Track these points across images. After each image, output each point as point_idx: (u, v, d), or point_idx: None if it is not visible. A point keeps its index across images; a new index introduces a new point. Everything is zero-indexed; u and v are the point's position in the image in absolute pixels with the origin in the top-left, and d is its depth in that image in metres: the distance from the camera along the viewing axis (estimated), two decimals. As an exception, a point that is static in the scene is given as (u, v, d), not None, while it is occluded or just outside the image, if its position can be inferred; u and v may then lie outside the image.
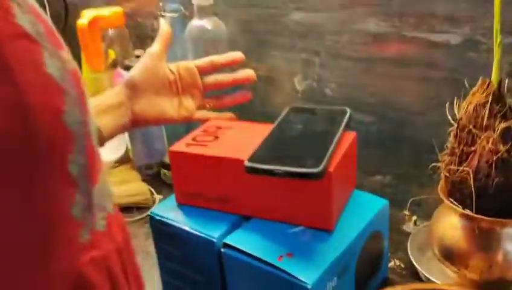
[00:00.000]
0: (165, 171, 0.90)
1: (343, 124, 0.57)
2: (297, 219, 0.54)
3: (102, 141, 0.60)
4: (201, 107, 0.68)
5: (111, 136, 0.61)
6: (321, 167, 0.48)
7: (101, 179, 0.33)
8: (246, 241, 0.53)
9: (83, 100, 0.29)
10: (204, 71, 0.67)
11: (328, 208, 0.52)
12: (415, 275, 0.63)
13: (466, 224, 0.55)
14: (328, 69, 0.79)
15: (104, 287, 0.32)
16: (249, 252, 0.51)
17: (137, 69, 0.63)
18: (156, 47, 0.64)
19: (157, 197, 0.86)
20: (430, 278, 0.60)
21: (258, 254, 0.50)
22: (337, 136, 0.54)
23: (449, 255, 0.57)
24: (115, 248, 0.34)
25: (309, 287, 0.47)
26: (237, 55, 0.66)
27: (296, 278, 0.48)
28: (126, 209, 0.83)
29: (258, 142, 0.54)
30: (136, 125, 0.64)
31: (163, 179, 0.92)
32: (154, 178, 0.93)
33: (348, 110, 0.60)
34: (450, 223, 0.57)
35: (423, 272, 0.61)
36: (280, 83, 0.86)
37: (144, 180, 0.89)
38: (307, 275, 0.48)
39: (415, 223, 0.72)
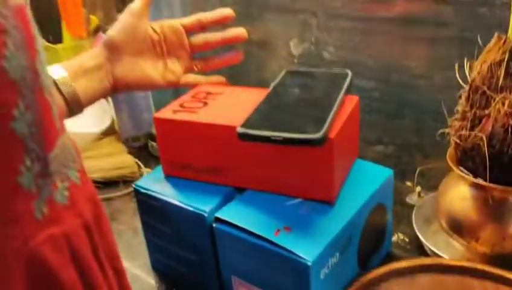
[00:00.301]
0: (153, 143, 0.86)
1: (345, 87, 0.52)
2: (295, 190, 0.50)
3: (80, 107, 0.55)
4: (188, 71, 0.62)
5: (90, 101, 0.56)
6: (322, 133, 0.43)
7: (61, 143, 0.29)
8: (240, 215, 0.48)
9: (31, 44, 0.24)
10: (191, 30, 0.61)
11: (329, 178, 0.48)
12: (419, 249, 0.60)
13: (477, 194, 0.51)
14: (326, 31, 0.73)
15: (64, 268, 0.28)
16: (243, 226, 0.47)
17: (117, 28, 0.57)
18: (136, 3, 0.58)
19: (145, 170, 0.82)
20: (437, 252, 0.56)
21: (252, 229, 0.46)
22: (338, 100, 0.49)
23: (458, 228, 0.54)
24: (82, 223, 0.30)
25: (309, 264, 0.43)
26: (227, 11, 0.60)
27: (295, 254, 0.43)
28: (112, 183, 0.78)
29: (252, 107, 0.49)
30: (117, 90, 0.58)
31: (151, 152, 0.87)
32: (142, 150, 0.88)
33: (349, 73, 0.55)
34: (460, 194, 0.53)
35: (429, 246, 0.57)
36: (275, 47, 0.81)
37: (130, 153, 0.85)
38: (306, 251, 0.43)
39: (419, 194, 0.68)
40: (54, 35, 1.03)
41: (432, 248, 0.57)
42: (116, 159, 0.80)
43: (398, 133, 0.71)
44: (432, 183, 0.62)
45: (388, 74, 0.69)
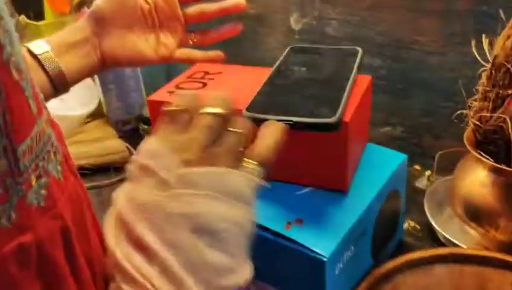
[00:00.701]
0: (145, 126, 0.81)
1: (356, 64, 0.48)
2: (306, 178, 0.46)
3: (66, 86, 0.50)
4: (183, 44, 0.57)
5: (76, 79, 0.51)
6: (337, 116, 0.39)
7: (38, 131, 0.25)
8: (246, 206, 0.44)
9: None
10: (185, 0, 0.56)
11: (342, 165, 0.44)
12: (431, 237, 0.57)
13: (498, 179, 0.48)
14: (330, 4, 0.69)
15: (28, 284, 0.24)
16: (250, 219, 0.43)
17: None
18: None
19: (137, 155, 0.77)
20: (452, 240, 0.53)
21: (261, 221, 0.43)
22: (351, 80, 0.45)
23: (475, 215, 0.50)
24: (59, 226, 0.26)
25: (325, 259, 0.39)
26: None
27: (309, 249, 0.40)
28: (101, 170, 0.74)
29: (256, 88, 0.45)
30: (105, 66, 0.53)
31: (143, 136, 0.82)
32: (132, 134, 0.83)
33: (360, 50, 0.50)
34: (478, 179, 0.50)
35: (443, 233, 0.54)
36: (274, 22, 0.76)
37: (120, 137, 0.80)
38: (321, 245, 0.40)
39: (428, 178, 0.64)
40: (34, 11, 0.97)
41: (447, 236, 0.54)
42: (105, 144, 0.76)
43: (407, 113, 0.67)
44: (442, 166, 0.59)
45: (396, 51, 0.65)
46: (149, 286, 0.27)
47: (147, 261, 0.28)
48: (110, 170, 0.74)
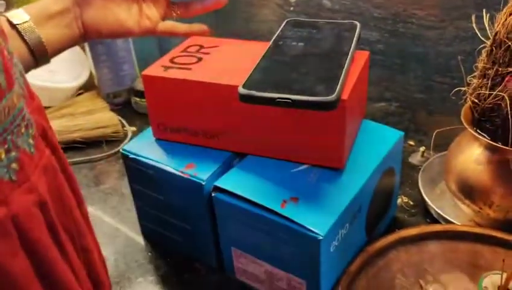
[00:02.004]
0: (136, 99, 0.79)
1: (354, 40, 0.47)
2: (302, 156, 0.46)
3: (46, 57, 0.49)
4: (166, 17, 0.55)
5: (57, 50, 0.50)
6: (335, 95, 0.38)
7: (6, 104, 0.24)
8: (241, 183, 0.44)
9: None
10: None
11: (339, 142, 0.44)
12: (425, 213, 0.57)
13: (494, 157, 0.48)
14: (327, -25, 0.67)
15: (12, 258, 0.24)
16: (246, 196, 0.43)
17: None
18: None
19: (130, 128, 0.76)
20: (445, 216, 0.54)
21: (256, 199, 0.42)
22: (349, 56, 0.44)
23: (470, 192, 0.51)
24: (35, 200, 0.26)
25: (321, 238, 0.39)
26: None
27: (305, 227, 0.40)
28: (94, 143, 0.73)
29: (252, 63, 0.44)
30: (87, 38, 0.52)
31: (135, 108, 0.81)
32: (125, 107, 0.82)
33: (358, 24, 0.49)
34: (473, 156, 0.50)
35: (436, 209, 0.55)
36: (269, -7, 0.74)
37: (112, 110, 0.78)
38: (317, 224, 0.40)
39: (422, 154, 0.64)
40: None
41: (439, 212, 0.54)
42: (97, 117, 0.74)
43: (402, 89, 0.67)
44: (437, 142, 0.59)
45: (394, 25, 0.64)
46: None
47: None
48: (103, 144, 0.73)
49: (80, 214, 0.32)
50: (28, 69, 0.48)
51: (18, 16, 0.47)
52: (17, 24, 0.46)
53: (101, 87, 0.81)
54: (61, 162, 0.31)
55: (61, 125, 0.71)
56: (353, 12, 0.66)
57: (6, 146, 0.25)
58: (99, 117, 0.74)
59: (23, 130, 0.26)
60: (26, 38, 0.47)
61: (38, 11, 0.48)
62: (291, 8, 0.71)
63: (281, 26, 0.51)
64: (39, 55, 0.48)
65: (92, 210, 0.60)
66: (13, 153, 0.25)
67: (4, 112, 0.25)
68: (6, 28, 0.46)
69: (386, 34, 0.65)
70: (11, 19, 0.47)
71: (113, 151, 0.71)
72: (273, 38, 0.48)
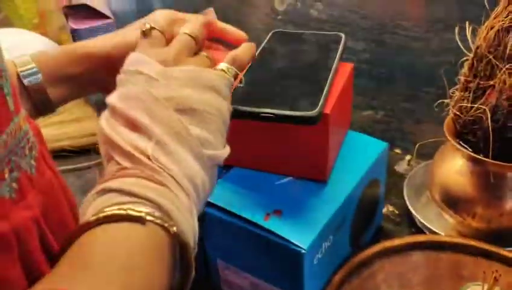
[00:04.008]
0: (126, 106, 0.79)
1: (338, 53, 0.47)
2: (286, 168, 0.46)
3: (51, 111, 0.47)
4: None
5: (61, 104, 0.49)
6: (317, 110, 0.39)
7: (14, 127, 0.26)
8: (226, 196, 0.45)
9: None
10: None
11: (322, 156, 0.44)
12: (410, 222, 0.58)
13: (476, 169, 0.49)
14: (314, -15, 0.68)
15: (12, 268, 0.26)
16: (230, 209, 0.43)
17: (112, 43, 0.46)
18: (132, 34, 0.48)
19: (118, 136, 0.76)
20: (429, 227, 0.54)
21: (241, 212, 0.43)
22: (332, 69, 0.45)
23: (452, 203, 0.51)
24: (31, 217, 0.27)
25: (303, 252, 0.40)
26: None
27: (288, 241, 0.40)
28: (82, 152, 0.73)
29: (238, 76, 0.44)
30: (93, 93, 0.53)
31: (124, 116, 0.81)
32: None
33: (343, 36, 0.50)
34: (456, 167, 0.51)
35: (420, 219, 0.55)
36: (257, 2, 0.74)
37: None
38: (300, 237, 0.40)
39: (408, 163, 0.65)
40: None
41: (423, 221, 0.55)
42: (85, 125, 0.74)
43: (388, 98, 0.67)
44: (422, 151, 0.60)
45: (380, 35, 0.64)
46: (145, 160, 0.29)
47: (142, 137, 0.30)
48: (91, 152, 0.73)
49: (70, 228, 0.33)
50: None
51: (29, 73, 0.44)
52: (28, 85, 0.44)
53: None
54: (59, 182, 0.33)
55: (50, 134, 0.71)
56: (340, 23, 0.67)
57: (10, 166, 0.26)
58: (88, 125, 0.74)
59: (27, 152, 0.28)
60: (33, 96, 0.44)
61: (52, 71, 0.46)
62: (279, 17, 0.72)
63: (267, 38, 0.51)
64: (41, 110, 0.46)
65: (79, 219, 0.60)
66: (15, 173, 0.26)
67: (12, 134, 0.26)
68: (13, 76, 0.43)
69: (372, 44, 0.65)
70: (21, 75, 0.44)
71: (101, 160, 0.71)
72: (259, 50, 0.49)
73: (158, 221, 0.27)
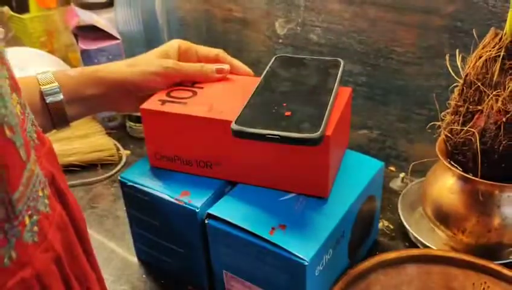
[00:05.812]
0: (131, 123, 0.82)
1: (338, 78, 0.51)
2: (289, 185, 0.49)
3: (66, 126, 0.52)
4: None
5: (78, 120, 0.53)
6: (319, 132, 0.42)
7: (27, 176, 0.26)
8: (233, 211, 0.48)
9: None
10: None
11: (324, 174, 0.47)
12: (404, 236, 0.61)
13: (466, 187, 0.52)
14: (314, 11, 0.71)
15: None
16: (237, 224, 0.46)
17: (134, 72, 0.52)
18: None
19: (124, 152, 0.79)
20: (422, 241, 0.57)
21: (247, 227, 0.45)
22: (333, 94, 0.48)
23: (444, 219, 0.55)
24: (52, 257, 0.28)
25: (306, 263, 0.43)
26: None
27: (292, 253, 0.43)
28: (89, 167, 0.75)
29: (243, 98, 0.47)
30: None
31: (129, 132, 0.84)
32: (119, 131, 0.85)
33: (342, 62, 0.53)
34: (447, 185, 0.54)
35: (414, 234, 0.58)
36: (258, 26, 0.78)
37: (107, 134, 0.81)
38: (303, 250, 0.43)
39: (402, 180, 0.68)
40: (18, 3, 0.96)
41: (417, 236, 0.58)
42: (93, 141, 0.77)
43: (384, 118, 0.71)
44: (416, 169, 0.63)
45: (376, 59, 0.68)
46: None
47: None
48: (98, 167, 0.76)
49: (84, 259, 0.33)
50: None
51: (51, 92, 0.48)
52: (50, 103, 0.48)
53: (96, 111, 0.84)
54: (68, 213, 0.32)
55: (58, 149, 0.74)
56: (338, 47, 0.70)
57: (29, 212, 0.26)
58: (95, 141, 0.77)
59: (40, 193, 0.28)
60: (52, 114, 0.49)
61: (72, 91, 0.50)
62: (280, 40, 0.75)
63: (270, 62, 0.55)
64: (59, 125, 0.51)
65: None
66: (34, 217, 0.27)
67: (27, 183, 0.26)
68: (34, 95, 0.47)
69: (368, 67, 0.69)
70: (44, 94, 0.48)
71: (108, 174, 0.74)
72: (263, 74, 0.52)
73: None
